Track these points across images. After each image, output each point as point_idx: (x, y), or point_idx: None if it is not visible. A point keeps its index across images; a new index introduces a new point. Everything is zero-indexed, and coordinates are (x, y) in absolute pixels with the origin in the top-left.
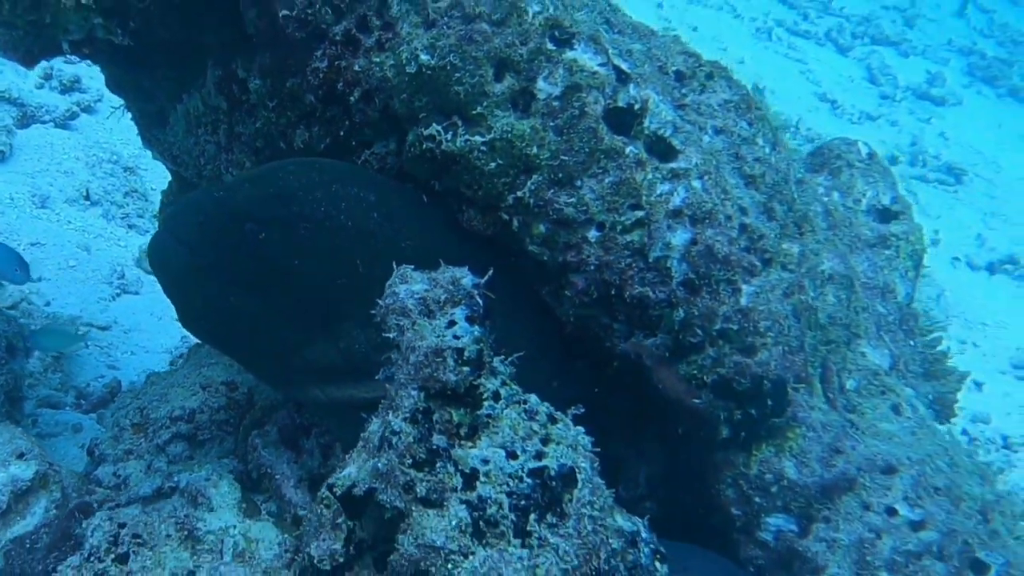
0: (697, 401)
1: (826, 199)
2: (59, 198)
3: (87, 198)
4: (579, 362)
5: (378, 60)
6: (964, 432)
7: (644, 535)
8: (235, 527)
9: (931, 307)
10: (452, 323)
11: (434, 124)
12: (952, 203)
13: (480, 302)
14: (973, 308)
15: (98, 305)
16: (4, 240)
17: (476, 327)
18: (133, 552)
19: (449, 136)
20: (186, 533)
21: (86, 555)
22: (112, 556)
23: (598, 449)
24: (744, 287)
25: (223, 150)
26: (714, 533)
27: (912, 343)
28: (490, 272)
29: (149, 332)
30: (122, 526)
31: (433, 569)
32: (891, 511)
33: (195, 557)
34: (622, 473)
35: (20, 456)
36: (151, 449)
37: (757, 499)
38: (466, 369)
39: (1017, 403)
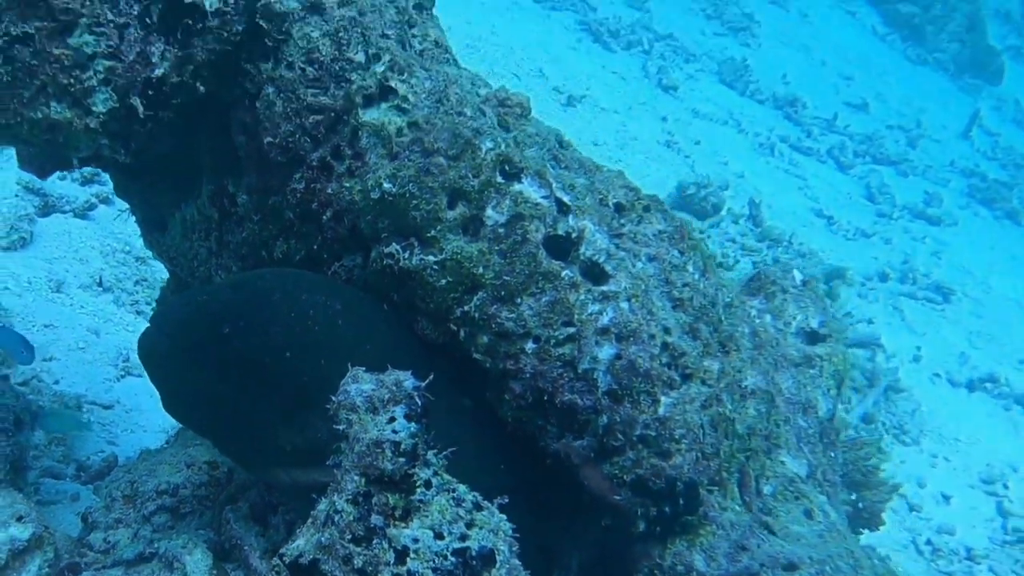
0: (618, 498)
1: (758, 321)
2: (74, 283)
3: (100, 285)
4: (519, 457)
5: (348, 185)
6: (928, 542)
7: None
8: None
9: (906, 421)
10: (392, 419)
11: (394, 244)
12: (939, 321)
13: (419, 402)
14: (948, 424)
15: (103, 385)
16: (21, 320)
17: (413, 424)
18: None
19: (406, 255)
20: None
21: None
22: None
23: (518, 535)
24: (663, 398)
25: (213, 255)
26: None
27: (832, 454)
28: (430, 376)
29: (148, 412)
30: None
31: None
32: None
33: None
34: (556, 560)
35: (19, 519)
36: (138, 519)
37: None
38: (402, 459)
39: (983, 517)
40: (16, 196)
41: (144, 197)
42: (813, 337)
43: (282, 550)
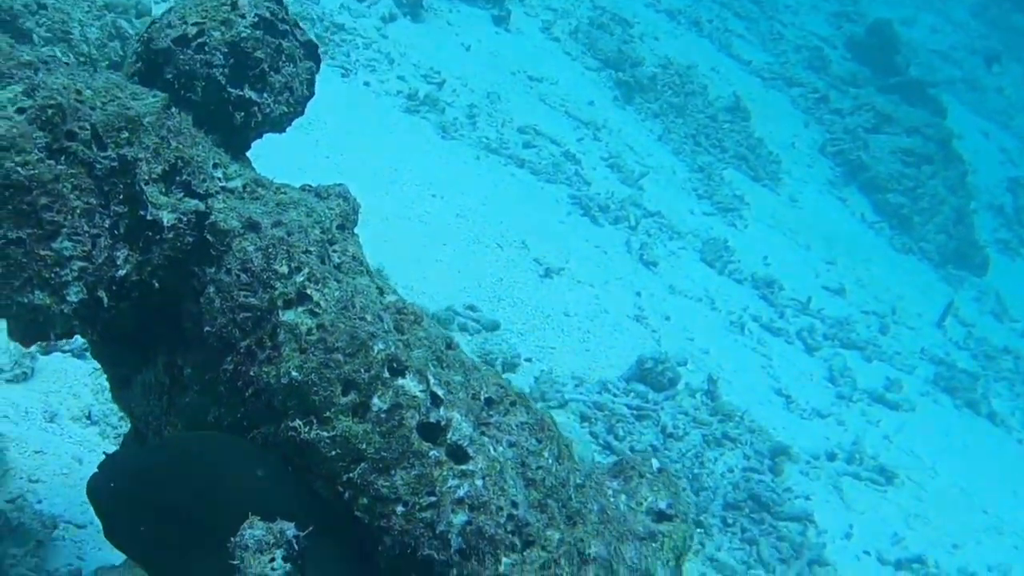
0: None
1: (612, 500)
2: (66, 415)
3: (88, 418)
4: None
5: (266, 370)
6: None
7: None
8: None
9: None
10: (272, 560)
11: (297, 420)
12: (878, 502)
13: (296, 547)
14: None
15: (80, 507)
16: (16, 445)
17: (289, 564)
18: None
19: (306, 429)
20: None
21: None
22: None
23: None
24: (504, 559)
25: (165, 412)
26: None
27: None
28: (311, 527)
29: None
30: None
31: None
32: None
33: None
34: None
35: None
36: None
37: None
38: None
39: None
40: None
41: (111, 361)
42: (660, 516)
43: None
